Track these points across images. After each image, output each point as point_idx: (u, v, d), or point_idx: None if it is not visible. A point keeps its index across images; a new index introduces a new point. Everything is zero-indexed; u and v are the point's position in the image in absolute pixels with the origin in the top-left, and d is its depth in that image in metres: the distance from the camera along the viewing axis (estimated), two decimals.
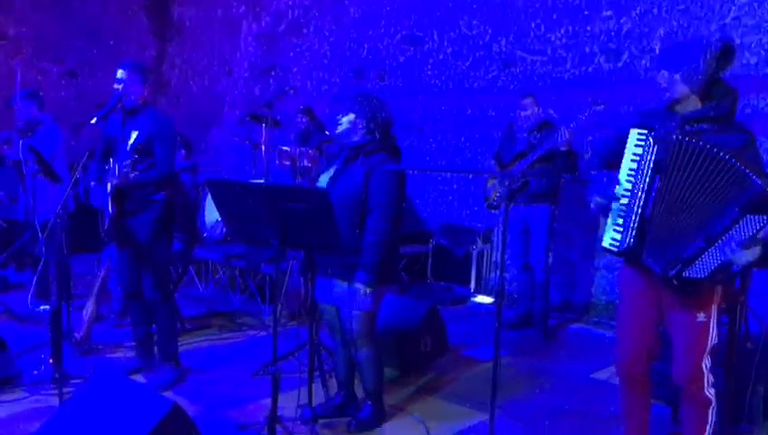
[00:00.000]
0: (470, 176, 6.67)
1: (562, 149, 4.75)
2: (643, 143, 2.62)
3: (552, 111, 5.57)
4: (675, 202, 2.55)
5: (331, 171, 3.36)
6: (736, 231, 2.43)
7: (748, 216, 2.40)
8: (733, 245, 2.43)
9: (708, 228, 2.48)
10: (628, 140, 2.67)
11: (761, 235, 2.41)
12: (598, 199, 2.77)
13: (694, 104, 2.63)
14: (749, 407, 3.40)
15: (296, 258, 4.39)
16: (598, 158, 3.10)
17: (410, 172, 3.36)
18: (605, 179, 2.86)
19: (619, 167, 2.71)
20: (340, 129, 3.30)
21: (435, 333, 4.37)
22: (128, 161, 3.57)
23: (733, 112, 2.63)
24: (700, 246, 2.50)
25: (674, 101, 2.65)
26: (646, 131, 2.63)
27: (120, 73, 3.78)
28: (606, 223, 2.79)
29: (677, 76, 2.60)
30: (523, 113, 5.11)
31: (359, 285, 3.16)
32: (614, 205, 2.72)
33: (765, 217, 2.38)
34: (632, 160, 2.65)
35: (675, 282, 2.59)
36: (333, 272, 3.28)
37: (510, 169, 5.04)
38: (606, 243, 2.77)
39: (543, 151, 4.85)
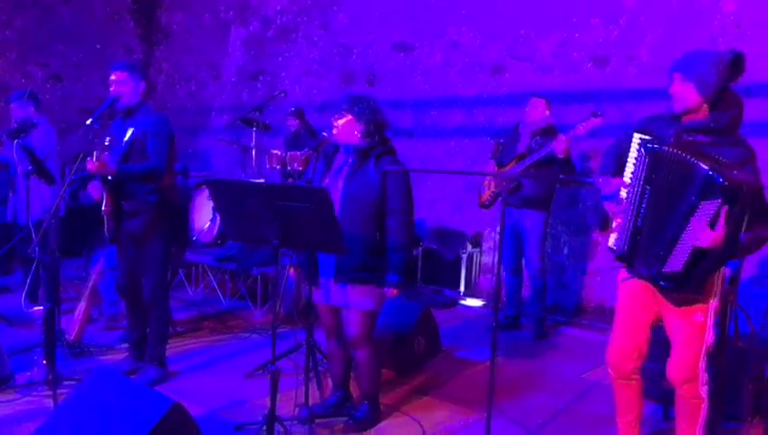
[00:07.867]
0: (460, 179, 6.72)
1: (560, 156, 4.74)
2: (637, 153, 2.67)
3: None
4: (658, 210, 2.62)
5: (342, 173, 3.29)
6: (696, 217, 2.48)
7: (702, 202, 2.45)
8: (695, 231, 2.48)
9: (675, 223, 2.55)
10: (632, 144, 2.71)
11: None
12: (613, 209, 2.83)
13: (703, 114, 2.65)
14: (740, 404, 3.46)
15: (293, 262, 4.35)
16: (605, 165, 3.10)
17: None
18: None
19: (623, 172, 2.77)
20: (335, 130, 3.27)
21: (429, 335, 4.40)
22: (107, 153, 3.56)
23: (735, 125, 2.65)
24: (669, 240, 2.57)
25: (685, 110, 2.67)
26: (645, 138, 2.66)
27: (113, 75, 3.78)
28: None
29: (692, 85, 2.61)
30: (529, 117, 5.03)
31: (389, 288, 3.24)
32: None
33: (719, 200, 2.42)
34: (633, 164, 2.71)
35: (662, 283, 2.65)
36: (346, 274, 3.22)
37: (506, 170, 5.00)
38: (611, 242, 2.86)
39: (540, 156, 4.83)
